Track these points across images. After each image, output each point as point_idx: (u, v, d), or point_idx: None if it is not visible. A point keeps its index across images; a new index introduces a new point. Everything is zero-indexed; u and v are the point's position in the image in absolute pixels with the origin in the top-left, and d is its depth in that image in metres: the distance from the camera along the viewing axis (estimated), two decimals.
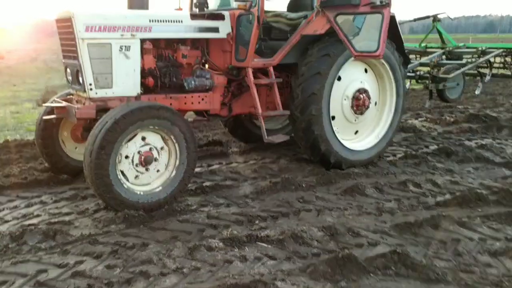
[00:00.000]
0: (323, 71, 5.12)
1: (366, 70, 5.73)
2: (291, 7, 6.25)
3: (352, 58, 5.28)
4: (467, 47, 8.20)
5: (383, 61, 5.61)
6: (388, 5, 4.77)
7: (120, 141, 3.93)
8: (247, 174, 5.39)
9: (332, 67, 5.17)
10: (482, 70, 8.04)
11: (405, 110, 6.22)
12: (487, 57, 7.59)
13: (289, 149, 6.38)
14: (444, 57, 8.13)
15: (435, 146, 6.72)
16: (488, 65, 7.93)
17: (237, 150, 6.48)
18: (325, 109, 5.22)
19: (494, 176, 5.59)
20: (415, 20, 8.42)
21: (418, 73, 7.18)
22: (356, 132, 5.84)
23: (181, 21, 4.81)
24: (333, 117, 5.49)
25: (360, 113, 5.63)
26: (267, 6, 6.13)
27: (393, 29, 5.64)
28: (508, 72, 8.42)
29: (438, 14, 8.24)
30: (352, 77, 5.54)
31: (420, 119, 8.95)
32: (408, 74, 7.29)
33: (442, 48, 8.42)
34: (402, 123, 8.37)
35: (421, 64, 7.51)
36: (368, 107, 5.66)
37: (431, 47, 8.71)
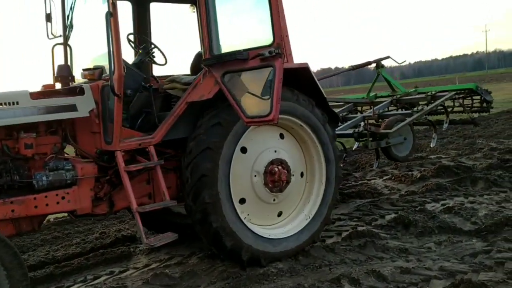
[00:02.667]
0: (214, 145, 3.99)
1: (282, 136, 4.61)
2: (192, 69, 5.25)
3: None
4: (419, 93, 7.12)
5: (300, 122, 4.51)
6: (279, 55, 3.73)
7: None
8: None
9: (227, 138, 4.05)
10: (438, 117, 6.93)
11: (341, 179, 5.04)
12: (436, 102, 6.50)
13: None
14: (392, 107, 7.07)
15: (393, 215, 5.45)
16: (444, 110, 6.84)
17: (147, 248, 5.23)
18: (225, 193, 4.04)
19: (460, 253, 4.33)
20: (353, 68, 7.38)
21: (357, 129, 6.05)
22: (280, 214, 4.63)
23: (17, 103, 3.74)
24: (243, 200, 4.32)
25: (278, 191, 4.45)
26: (167, 70, 5.20)
27: (309, 83, 4.62)
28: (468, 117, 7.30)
29: (381, 59, 7.20)
30: (262, 147, 4.40)
31: (385, 177, 7.73)
32: (346, 132, 6.15)
33: (391, 97, 7.35)
34: (363, 184, 7.21)
35: (365, 118, 6.39)
36: (288, 181, 4.49)
37: (382, 96, 7.63)
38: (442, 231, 4.87)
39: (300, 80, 4.60)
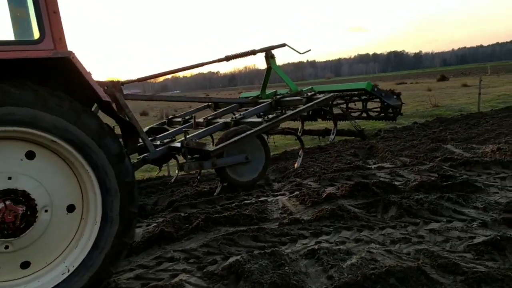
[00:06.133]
0: None
1: (32, 155, 3.27)
2: None
3: None
4: (317, 92, 5.46)
5: (51, 137, 3.16)
6: None
7: None
8: None
9: None
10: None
11: (133, 215, 3.57)
12: (298, 109, 4.89)
13: None
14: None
15: (235, 258, 4.04)
16: (332, 118, 5.26)
17: None
18: None
19: None
20: (227, 58, 5.71)
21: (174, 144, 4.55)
22: (27, 264, 3.31)
23: None
24: None
25: (10, 235, 3.12)
26: None
27: (78, 81, 3.26)
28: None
29: (271, 48, 5.56)
30: None
31: (296, 192, 6.25)
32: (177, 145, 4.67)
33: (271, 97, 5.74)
34: (255, 204, 5.78)
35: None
36: (31, 221, 3.15)
37: (281, 94, 6.03)
38: None
39: (66, 77, 3.27)
